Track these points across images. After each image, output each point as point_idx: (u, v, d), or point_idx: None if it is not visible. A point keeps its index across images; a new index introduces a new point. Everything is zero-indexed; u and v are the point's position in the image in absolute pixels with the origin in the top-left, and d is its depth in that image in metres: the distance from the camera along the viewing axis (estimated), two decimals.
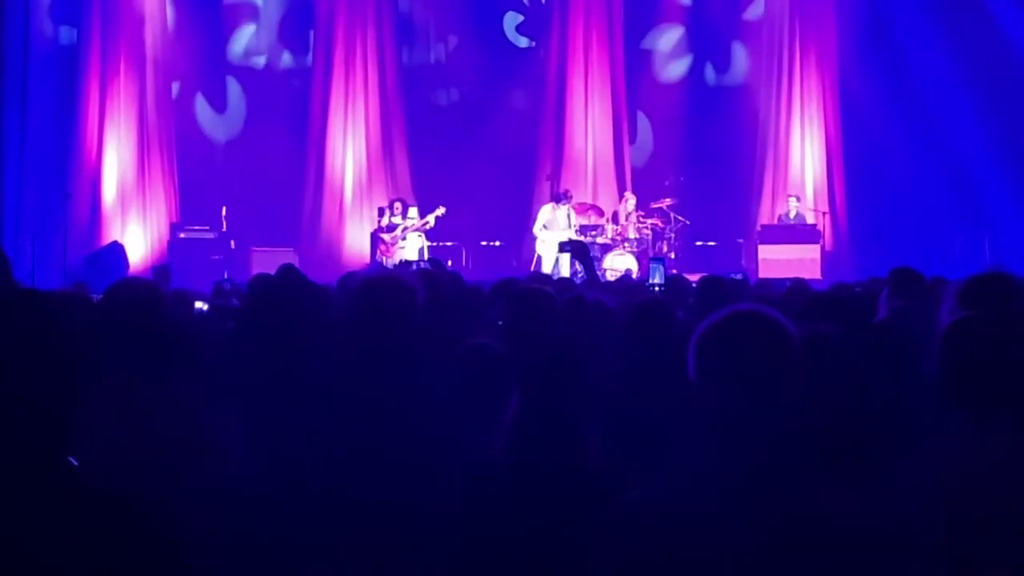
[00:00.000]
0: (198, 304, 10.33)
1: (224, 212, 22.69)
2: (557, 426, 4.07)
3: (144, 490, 2.73)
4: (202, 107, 25.04)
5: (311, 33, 25.08)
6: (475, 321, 6.25)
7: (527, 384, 4.14)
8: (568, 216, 22.03)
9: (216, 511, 4.02)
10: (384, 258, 21.62)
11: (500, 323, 6.00)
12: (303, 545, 3.95)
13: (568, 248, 18.98)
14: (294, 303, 5.44)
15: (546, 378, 4.13)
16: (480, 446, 4.21)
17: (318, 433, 4.13)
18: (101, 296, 5.05)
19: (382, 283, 4.42)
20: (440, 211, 21.92)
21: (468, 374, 4.69)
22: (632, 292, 9.73)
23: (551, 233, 21.62)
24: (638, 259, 21.68)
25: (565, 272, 19.49)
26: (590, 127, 24.53)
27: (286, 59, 25.62)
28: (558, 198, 22.31)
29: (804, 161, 24.39)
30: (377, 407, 4.08)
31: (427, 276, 7.47)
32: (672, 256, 22.47)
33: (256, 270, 19.50)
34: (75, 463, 2.68)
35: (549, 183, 24.18)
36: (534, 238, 22.32)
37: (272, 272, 9.00)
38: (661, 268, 20.73)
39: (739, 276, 16.76)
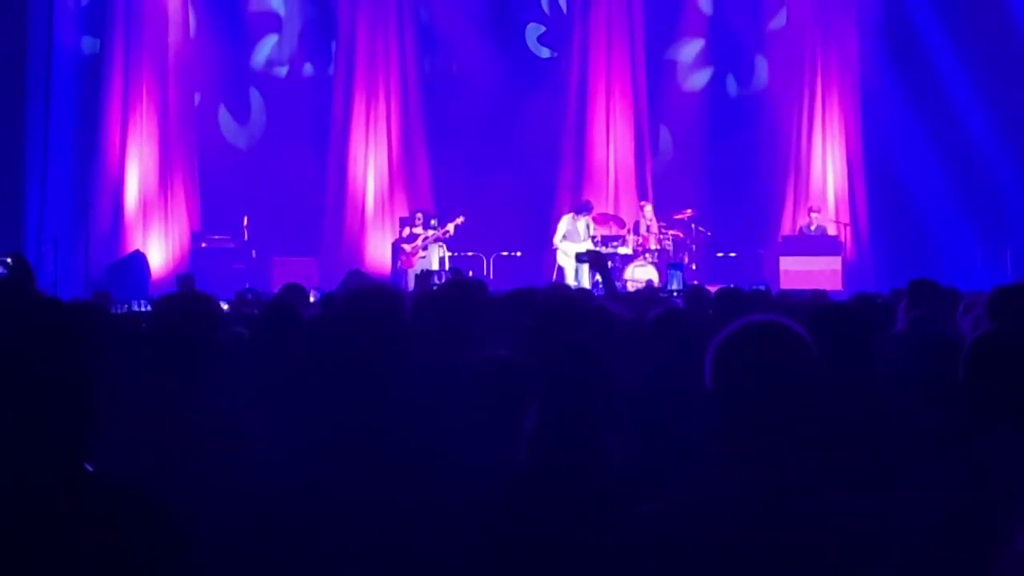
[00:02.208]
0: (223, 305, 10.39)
1: (246, 221, 22.74)
2: (577, 435, 4.07)
3: (162, 492, 2.75)
4: (224, 117, 25.09)
5: (333, 43, 25.13)
6: (497, 330, 6.24)
7: (546, 393, 4.15)
8: (587, 227, 22.05)
9: (233, 514, 4.03)
10: (405, 268, 21.68)
11: (518, 331, 5.99)
12: (315, 551, 3.96)
13: (586, 259, 19.01)
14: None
15: (565, 388, 4.14)
16: (498, 457, 4.21)
17: (322, 438, 4.14)
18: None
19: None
20: (459, 220, 21.98)
21: (487, 387, 4.69)
22: (651, 302, 9.71)
23: (571, 244, 21.64)
24: (659, 270, 21.68)
25: (586, 283, 19.50)
26: (611, 138, 24.53)
27: (308, 69, 25.68)
28: (579, 209, 22.35)
29: (826, 172, 24.34)
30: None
31: (459, 284, 7.50)
32: (693, 267, 22.47)
33: (277, 280, 19.56)
34: (91, 468, 2.70)
35: (570, 194, 24.20)
36: (555, 249, 22.33)
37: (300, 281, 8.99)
38: (679, 274, 20.75)
39: (762, 287, 16.74)
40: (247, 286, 18.83)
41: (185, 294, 5.21)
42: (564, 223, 22.28)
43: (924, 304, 7.22)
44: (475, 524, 3.97)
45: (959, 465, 3.68)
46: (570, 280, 20.57)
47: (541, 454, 4.06)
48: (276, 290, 12.52)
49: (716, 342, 3.02)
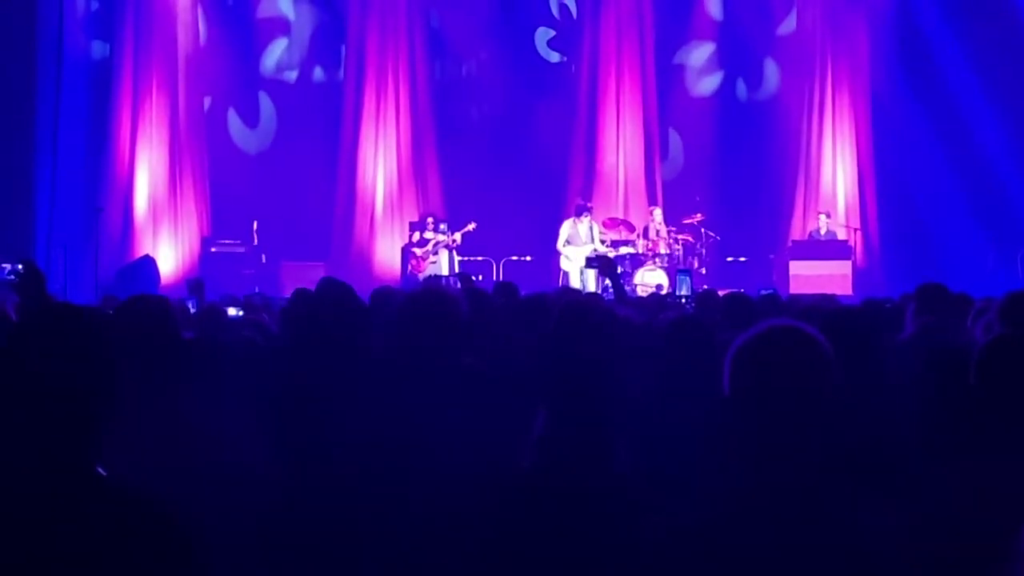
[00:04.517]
0: (232, 311, 10.35)
1: (255, 226, 22.78)
2: (585, 441, 4.05)
3: (169, 497, 2.75)
4: (234, 121, 25.11)
5: (343, 48, 25.15)
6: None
7: (556, 399, 4.13)
8: (591, 229, 22.03)
9: (238, 520, 4.03)
10: (416, 273, 21.68)
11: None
12: (321, 553, 3.95)
13: (595, 264, 18.99)
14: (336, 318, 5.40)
15: (574, 392, 4.12)
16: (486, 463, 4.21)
17: (348, 444, 4.13)
18: (113, 313, 5.10)
19: (426, 296, 4.45)
20: (470, 227, 21.97)
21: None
22: (662, 307, 9.70)
23: (574, 248, 21.65)
24: (669, 274, 21.66)
25: (591, 287, 19.48)
26: (621, 142, 24.53)
27: (318, 74, 25.69)
28: (578, 211, 22.34)
29: (836, 177, 24.34)
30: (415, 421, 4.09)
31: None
32: (703, 272, 22.46)
33: (287, 284, 19.58)
34: (103, 472, 2.70)
35: (580, 198, 24.19)
36: (559, 254, 22.32)
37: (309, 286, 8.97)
38: (688, 280, 20.73)
39: (771, 292, 16.71)
40: (256, 290, 18.85)
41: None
42: (565, 228, 22.28)
43: (933, 309, 7.18)
44: (480, 530, 3.96)
45: (967, 474, 3.65)
46: (575, 284, 20.51)
47: (548, 459, 4.04)
48: (286, 294, 12.51)
49: (735, 346, 3.00)
